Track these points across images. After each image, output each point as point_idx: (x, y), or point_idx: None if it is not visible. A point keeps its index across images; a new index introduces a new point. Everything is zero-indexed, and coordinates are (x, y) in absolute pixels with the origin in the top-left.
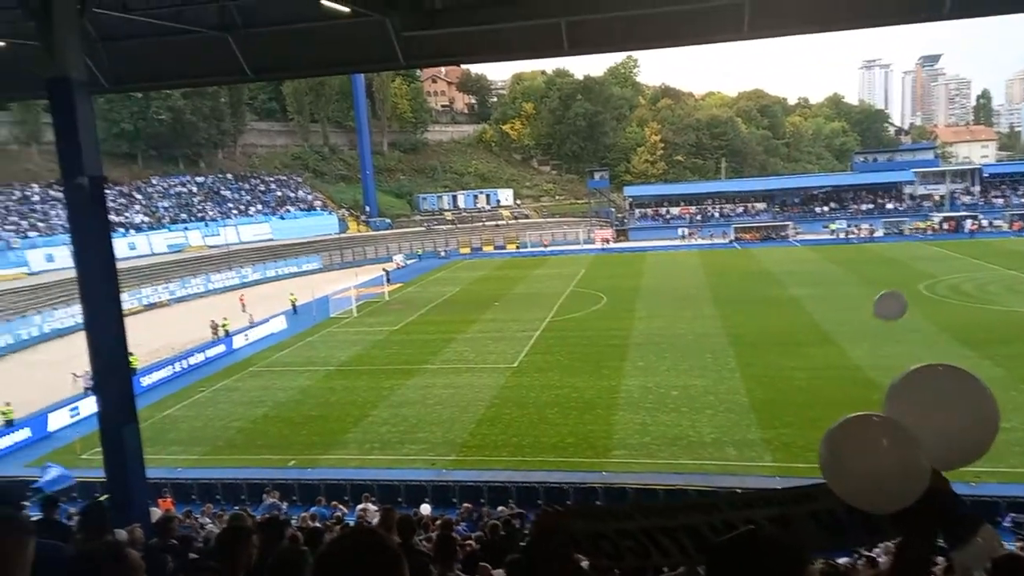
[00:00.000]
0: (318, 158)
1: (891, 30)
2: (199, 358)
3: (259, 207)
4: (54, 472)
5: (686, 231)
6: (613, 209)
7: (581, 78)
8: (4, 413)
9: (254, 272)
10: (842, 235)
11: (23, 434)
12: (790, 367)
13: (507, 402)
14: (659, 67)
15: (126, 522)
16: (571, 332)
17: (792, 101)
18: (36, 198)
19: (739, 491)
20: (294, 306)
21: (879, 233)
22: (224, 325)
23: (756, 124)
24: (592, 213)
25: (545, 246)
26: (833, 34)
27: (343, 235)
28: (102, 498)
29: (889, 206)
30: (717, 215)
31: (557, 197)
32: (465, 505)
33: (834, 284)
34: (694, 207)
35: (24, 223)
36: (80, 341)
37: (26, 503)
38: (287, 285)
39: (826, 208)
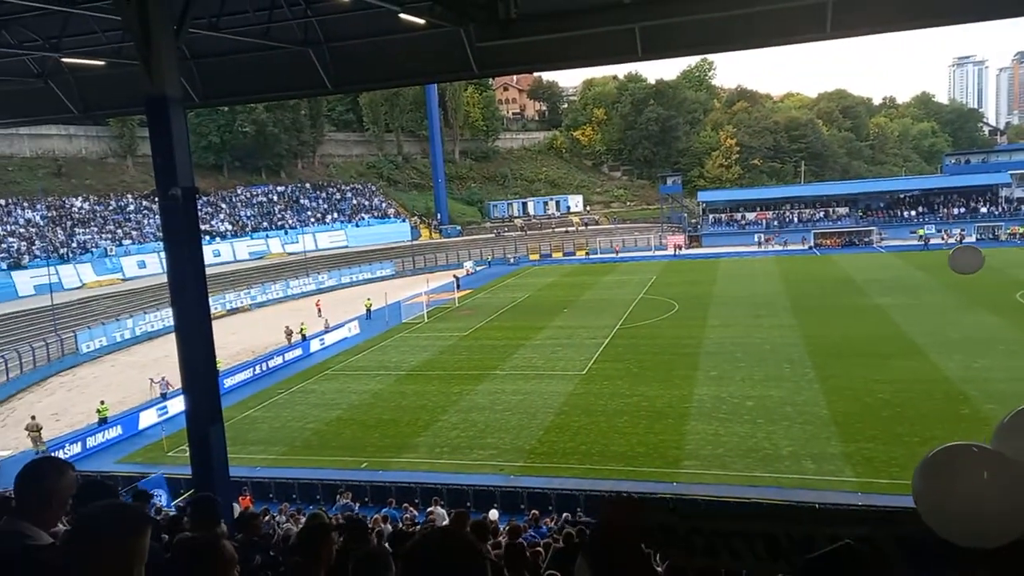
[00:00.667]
0: (392, 167)
1: (984, 25)
2: (278, 361)
3: (335, 215)
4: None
5: (762, 237)
6: (686, 214)
7: (653, 82)
8: (99, 411)
9: (330, 278)
10: (932, 241)
11: (115, 431)
12: (874, 379)
13: (576, 409)
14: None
15: None
16: (641, 340)
17: (877, 101)
18: (131, 208)
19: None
20: (369, 311)
21: (971, 238)
22: (302, 330)
23: (838, 126)
24: (664, 219)
25: (615, 252)
26: (922, 31)
27: (415, 242)
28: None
29: (983, 210)
30: (796, 220)
31: (628, 203)
32: (533, 512)
33: (922, 292)
34: (771, 212)
35: (119, 232)
36: (167, 344)
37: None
38: (361, 291)
39: (913, 213)
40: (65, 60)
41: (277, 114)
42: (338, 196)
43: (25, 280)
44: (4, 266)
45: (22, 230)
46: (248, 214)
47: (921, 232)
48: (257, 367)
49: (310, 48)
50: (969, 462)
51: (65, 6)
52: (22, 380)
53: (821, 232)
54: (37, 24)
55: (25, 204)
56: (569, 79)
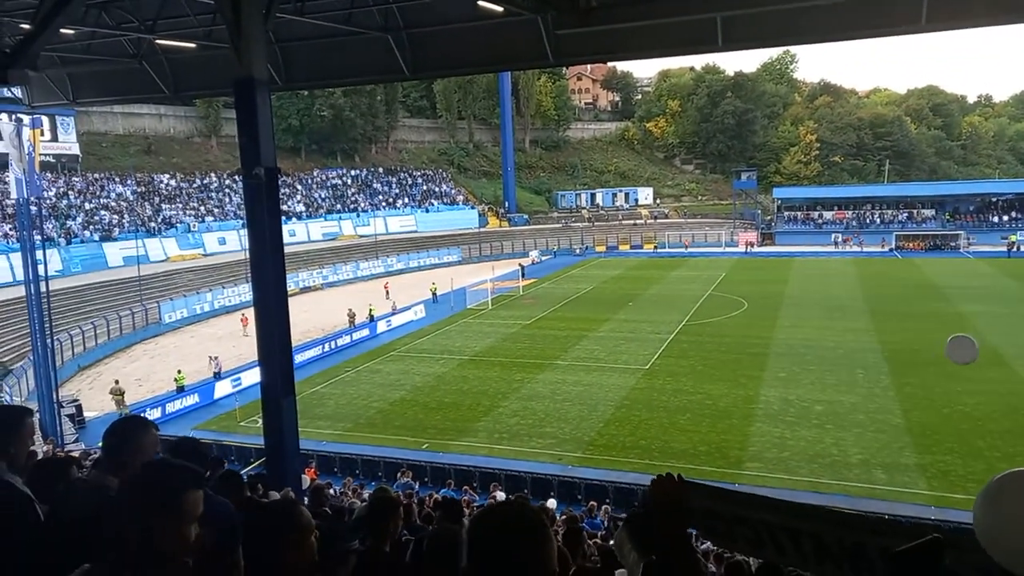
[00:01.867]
0: (463, 154)
1: None
2: (346, 340)
3: (406, 200)
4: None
5: (840, 237)
6: (759, 211)
7: (732, 75)
8: (177, 380)
9: (398, 261)
10: (1021, 248)
11: (192, 400)
12: (955, 390)
13: (637, 404)
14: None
15: (280, 487)
16: (708, 337)
17: (972, 99)
18: (214, 186)
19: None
20: (435, 295)
21: None
22: (370, 311)
23: (927, 124)
24: (736, 215)
25: (685, 247)
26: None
27: (483, 229)
28: (257, 462)
29: None
30: (877, 221)
31: (700, 197)
32: (591, 503)
33: (1011, 301)
34: (850, 212)
35: (202, 208)
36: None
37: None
38: (428, 275)
39: (1005, 217)
40: (159, 42)
41: (354, 99)
42: (409, 181)
43: (115, 252)
44: (96, 237)
45: (113, 204)
46: (322, 196)
47: (1013, 238)
48: (326, 344)
49: (389, 34)
50: None
51: None
52: (109, 346)
53: (904, 234)
54: (134, 7)
55: (117, 179)
56: (644, 70)
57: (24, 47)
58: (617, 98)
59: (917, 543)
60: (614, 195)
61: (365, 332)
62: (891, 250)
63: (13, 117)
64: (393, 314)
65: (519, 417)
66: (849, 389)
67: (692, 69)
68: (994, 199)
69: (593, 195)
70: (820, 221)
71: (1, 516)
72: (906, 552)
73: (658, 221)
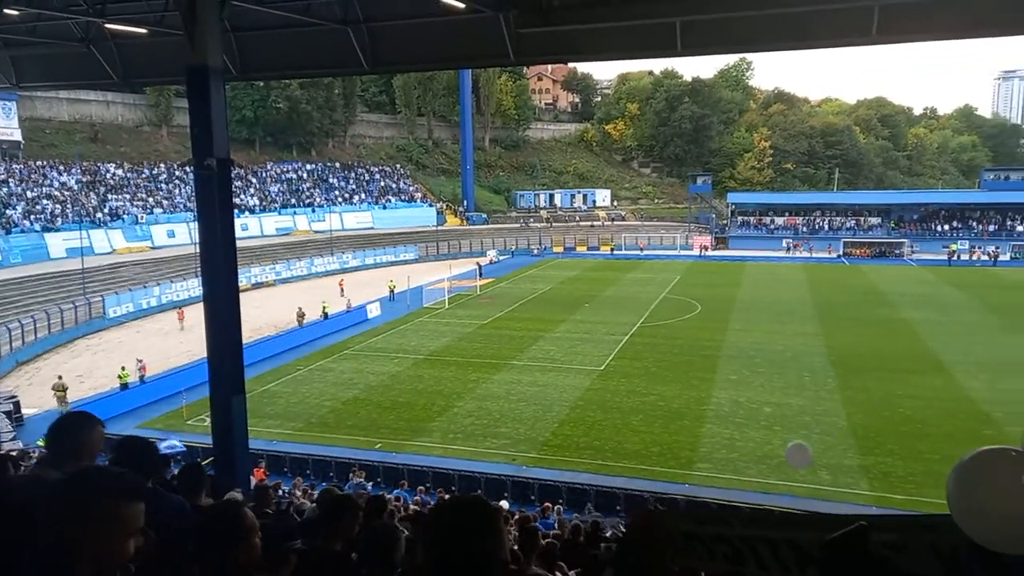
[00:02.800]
0: (421, 151)
1: None
2: (298, 337)
3: (363, 196)
4: (173, 442)
5: (791, 243)
6: (714, 215)
7: (690, 80)
8: (120, 376)
9: (354, 258)
10: (961, 256)
11: (136, 396)
12: (897, 394)
13: (591, 405)
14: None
15: (228, 488)
16: (661, 339)
17: (918, 111)
18: (163, 177)
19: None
20: (392, 292)
21: (1005, 257)
22: (324, 308)
23: (875, 134)
24: (692, 218)
25: (641, 249)
26: (967, 41)
27: (440, 227)
28: (204, 462)
29: (1020, 228)
30: (826, 228)
31: (656, 200)
32: (545, 504)
33: (952, 309)
34: (801, 218)
35: (151, 200)
36: (192, 313)
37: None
38: (384, 273)
39: (947, 227)
40: (109, 26)
41: (311, 92)
42: (366, 177)
43: (57, 243)
44: (37, 228)
45: (57, 193)
46: (277, 190)
47: (954, 247)
48: (277, 342)
49: (349, 26)
50: (1007, 463)
51: None
52: (49, 340)
53: (851, 241)
54: None
55: (61, 168)
56: (604, 72)
57: None
58: (577, 99)
59: (844, 531)
60: (572, 196)
61: (319, 330)
62: (839, 256)
63: None
64: (348, 312)
65: (474, 417)
66: (797, 392)
67: (651, 73)
68: (937, 209)
69: (552, 196)
70: (772, 226)
71: None
72: (835, 540)
73: (615, 223)
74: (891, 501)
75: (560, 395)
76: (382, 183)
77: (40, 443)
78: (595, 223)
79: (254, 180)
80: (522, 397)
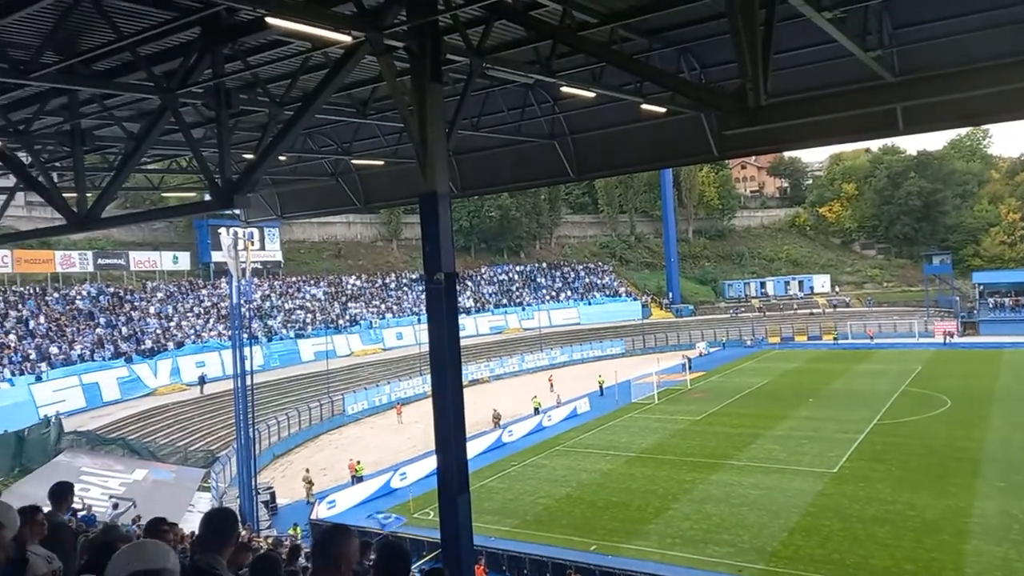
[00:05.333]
0: (624, 246)
1: None
2: (512, 433)
3: (569, 293)
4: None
5: None
6: (958, 298)
7: (915, 153)
8: (355, 471)
9: (562, 354)
10: None
11: (370, 488)
12: None
13: (826, 511)
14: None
15: None
16: (905, 438)
17: None
18: (393, 285)
19: None
20: (601, 387)
21: None
22: (535, 404)
23: None
24: (930, 302)
25: (870, 338)
26: None
27: (646, 321)
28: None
29: None
30: None
31: (885, 284)
32: None
33: None
34: None
35: (382, 306)
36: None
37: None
38: (591, 368)
39: None
40: (354, 161)
41: (519, 199)
42: (572, 275)
43: (307, 347)
44: (292, 334)
45: (308, 304)
46: (490, 291)
47: None
48: (491, 436)
49: (555, 140)
50: None
51: (360, 118)
52: (299, 436)
53: None
54: (335, 132)
55: (312, 282)
56: (814, 154)
57: (247, 175)
58: (785, 184)
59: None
60: (786, 283)
61: (531, 425)
62: None
63: (231, 231)
64: (557, 407)
65: (692, 521)
66: None
67: (868, 151)
68: None
69: (763, 284)
70: None
71: None
72: None
73: (838, 310)
74: None
75: (788, 500)
76: (587, 280)
77: (291, 531)
78: (814, 311)
79: (470, 283)
80: (744, 500)
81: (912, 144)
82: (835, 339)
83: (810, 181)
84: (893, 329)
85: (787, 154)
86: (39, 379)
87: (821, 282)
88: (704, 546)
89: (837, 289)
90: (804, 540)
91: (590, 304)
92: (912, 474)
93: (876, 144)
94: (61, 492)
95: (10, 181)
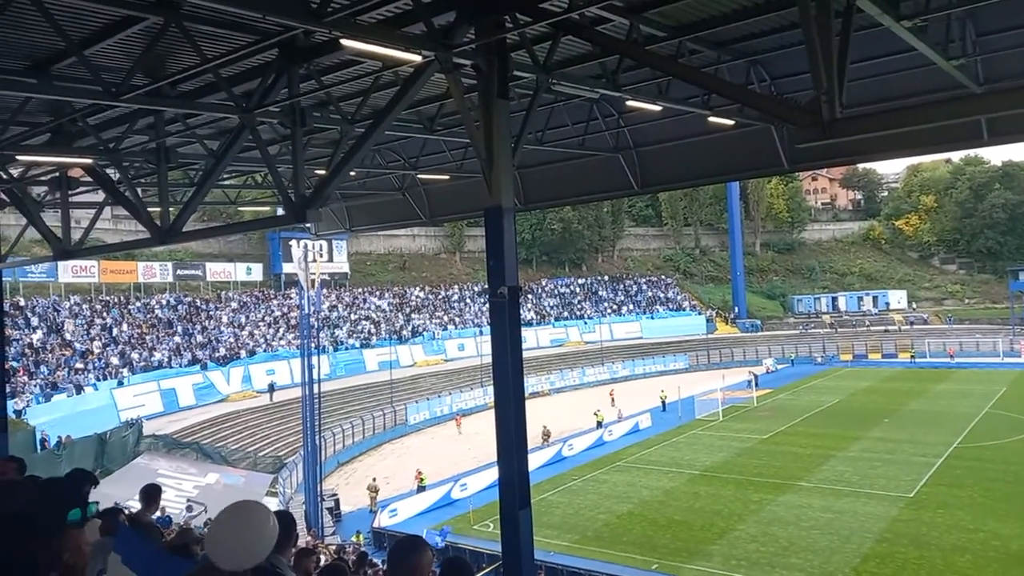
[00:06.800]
0: (688, 260)
1: None
2: (572, 447)
3: (631, 306)
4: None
5: None
6: None
7: (999, 164)
8: (420, 480)
9: (623, 368)
10: None
11: (431, 499)
12: None
13: (901, 538)
14: None
15: None
16: (989, 463)
17: None
18: (455, 297)
19: None
20: (663, 403)
21: None
22: (597, 418)
23: None
24: (1016, 320)
25: (950, 356)
26: None
27: (710, 336)
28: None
29: None
30: None
31: (966, 300)
32: None
33: None
34: None
35: (445, 318)
36: (479, 421)
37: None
38: (653, 383)
39: None
40: (420, 176)
41: (582, 212)
42: (634, 288)
43: (372, 357)
44: (357, 344)
45: (373, 314)
46: (551, 304)
47: None
48: (552, 449)
49: (620, 153)
50: None
51: (427, 134)
52: (363, 444)
53: None
54: (402, 148)
55: (377, 293)
56: (890, 165)
57: (319, 190)
58: (859, 196)
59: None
60: (860, 299)
61: (591, 440)
62: None
63: (301, 244)
64: (618, 421)
65: (758, 543)
66: None
67: (948, 162)
68: None
69: (835, 299)
70: None
71: None
72: None
73: (915, 327)
74: None
75: (861, 524)
76: (649, 293)
77: (354, 538)
78: (890, 327)
79: (531, 296)
80: (814, 524)
81: (996, 155)
82: (912, 357)
83: (885, 193)
84: (975, 348)
85: (861, 165)
86: (121, 384)
87: (897, 298)
88: (771, 569)
89: (914, 305)
90: (878, 567)
91: (653, 318)
92: (996, 501)
93: (957, 155)
94: (151, 493)
95: (99, 196)
